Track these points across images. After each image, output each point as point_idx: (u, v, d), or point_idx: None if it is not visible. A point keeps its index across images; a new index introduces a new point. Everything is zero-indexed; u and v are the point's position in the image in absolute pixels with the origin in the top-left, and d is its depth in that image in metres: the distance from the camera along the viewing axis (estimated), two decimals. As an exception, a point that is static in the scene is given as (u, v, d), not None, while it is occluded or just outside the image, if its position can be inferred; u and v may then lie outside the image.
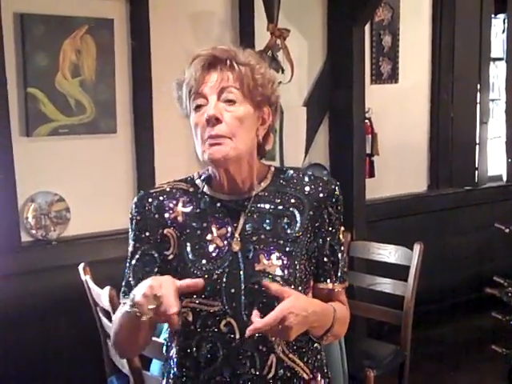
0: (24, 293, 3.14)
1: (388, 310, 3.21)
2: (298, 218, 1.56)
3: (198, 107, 1.50)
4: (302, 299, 1.44)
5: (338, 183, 1.61)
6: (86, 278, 2.66)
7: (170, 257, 1.56)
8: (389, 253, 3.32)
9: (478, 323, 4.31)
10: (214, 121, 1.47)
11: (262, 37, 3.80)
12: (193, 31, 3.68)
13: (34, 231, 3.23)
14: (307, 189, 1.58)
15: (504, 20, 5.41)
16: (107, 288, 2.36)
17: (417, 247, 3.15)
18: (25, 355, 3.17)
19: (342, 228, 1.61)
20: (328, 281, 1.59)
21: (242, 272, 1.51)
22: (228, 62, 1.49)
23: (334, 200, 1.58)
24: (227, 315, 1.49)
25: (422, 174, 4.89)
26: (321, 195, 1.57)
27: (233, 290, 1.50)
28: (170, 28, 3.61)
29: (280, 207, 1.57)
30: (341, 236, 1.60)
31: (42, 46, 3.21)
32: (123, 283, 1.58)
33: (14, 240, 3.16)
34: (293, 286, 1.51)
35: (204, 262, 1.52)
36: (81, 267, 2.70)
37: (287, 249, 1.53)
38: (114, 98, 3.42)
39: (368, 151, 4.30)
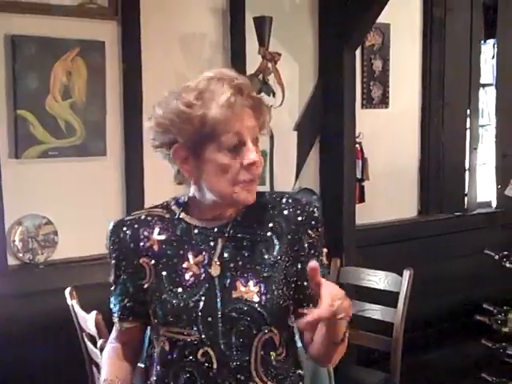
0: (10, 317, 3.10)
1: (378, 336, 3.19)
2: (276, 243, 1.54)
3: (233, 148, 1.47)
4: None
5: (318, 205, 1.60)
6: (73, 302, 2.63)
7: (146, 285, 1.55)
8: (378, 279, 3.30)
9: (468, 350, 4.29)
10: (258, 166, 1.48)
11: (253, 60, 3.82)
12: (184, 53, 3.69)
13: (20, 254, 3.20)
14: (285, 212, 1.56)
15: (494, 45, 5.46)
16: (93, 313, 2.34)
17: (406, 273, 3.14)
18: (10, 380, 3.12)
19: (325, 250, 1.59)
20: (311, 305, 1.54)
21: (218, 299, 1.50)
22: (259, 105, 1.50)
23: (313, 223, 1.56)
24: (204, 344, 1.48)
25: (413, 199, 4.89)
26: (299, 218, 1.55)
27: (210, 319, 1.48)
28: (162, 50, 3.61)
29: (258, 232, 1.55)
30: (323, 259, 1.59)
31: (33, 68, 3.20)
32: (111, 304, 1.63)
33: (1, 263, 3.13)
34: (271, 312, 1.49)
35: (180, 290, 1.51)
36: (67, 291, 2.67)
37: (265, 274, 1.51)
38: (104, 121, 3.42)
39: (358, 176, 4.30)
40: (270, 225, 1.55)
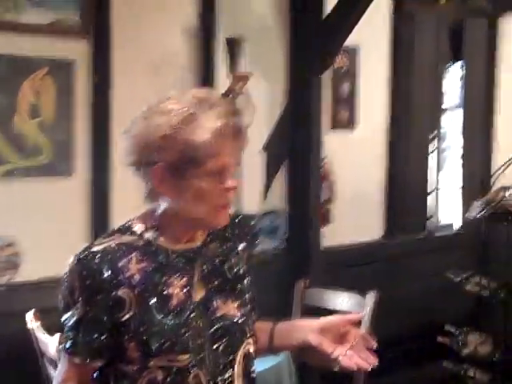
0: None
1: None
2: (240, 259, 1.65)
3: (216, 173, 1.48)
4: None
5: (256, 217, 1.74)
6: (34, 325, 2.60)
7: (125, 318, 1.49)
8: (342, 300, 3.34)
9: (430, 372, 4.33)
10: (234, 192, 1.52)
11: (223, 80, 3.84)
12: (155, 73, 3.70)
13: (-18, 276, 3.16)
14: (236, 231, 1.68)
15: (461, 67, 5.56)
16: (57, 335, 2.32)
17: (369, 295, 3.19)
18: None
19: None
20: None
21: (205, 321, 1.54)
22: (241, 129, 1.54)
23: (252, 234, 1.71)
24: (195, 367, 1.50)
25: (378, 221, 4.94)
26: (244, 230, 1.69)
27: (199, 341, 1.51)
28: (132, 70, 3.62)
29: (225, 251, 1.64)
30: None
31: (1, 87, 3.19)
32: (70, 343, 1.52)
33: (-38, 284, 3.09)
34: (249, 325, 1.60)
35: (170, 317, 1.50)
36: (29, 315, 2.65)
37: (239, 290, 1.61)
38: (72, 141, 3.41)
39: (325, 197, 4.34)
40: (232, 243, 1.66)
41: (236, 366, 1.56)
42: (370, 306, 3.17)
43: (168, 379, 1.50)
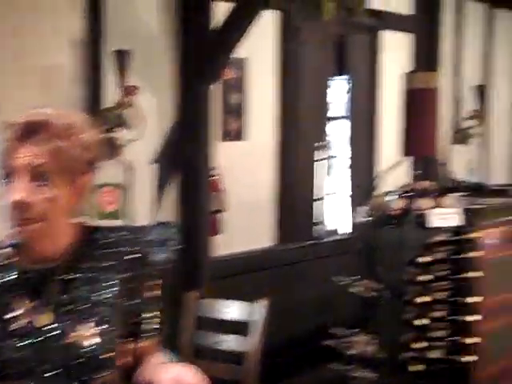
0: None
1: (230, 366, 3.24)
2: (112, 280, 1.50)
3: (9, 182, 1.41)
4: None
5: (152, 239, 1.63)
6: None
7: None
8: (235, 309, 3.38)
9: (320, 375, 4.44)
10: (21, 206, 1.39)
11: (111, 93, 3.82)
12: (41, 85, 3.62)
13: None
14: (121, 248, 1.53)
15: (347, 80, 5.77)
16: None
17: (260, 302, 3.24)
18: None
19: (158, 281, 1.59)
20: (144, 339, 1.55)
21: (54, 347, 1.43)
22: (44, 132, 1.40)
23: (147, 257, 1.56)
24: None
25: (269, 229, 5.03)
26: (135, 255, 1.53)
27: (45, 368, 1.42)
28: (18, 81, 3.53)
29: (91, 271, 1.49)
30: (156, 291, 1.58)
31: None
32: None
33: None
34: (109, 353, 1.45)
35: (12, 341, 1.42)
36: None
37: (103, 314, 1.47)
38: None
39: (215, 208, 4.37)
40: (105, 263, 1.50)
41: None
42: (260, 313, 3.23)
43: None
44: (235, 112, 4.72)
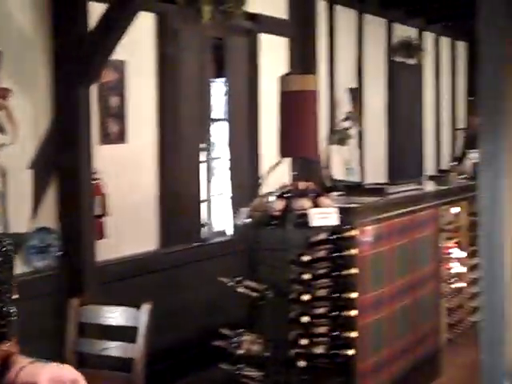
0: None
1: (117, 373, 3.20)
2: None
3: None
4: None
5: (10, 241, 1.58)
6: None
7: None
8: (119, 315, 3.33)
9: (211, 376, 4.45)
10: None
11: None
12: None
13: None
14: None
15: (225, 82, 5.82)
16: None
17: (144, 307, 3.22)
18: None
19: (15, 284, 1.58)
20: (7, 341, 1.54)
21: None
22: None
23: (4, 259, 1.55)
24: None
25: (154, 232, 4.99)
26: None
27: None
28: None
29: None
30: (14, 294, 1.57)
31: None
32: None
33: None
34: None
35: None
36: None
37: None
38: None
39: (98, 212, 4.29)
40: None
41: None
42: (144, 318, 3.20)
43: None
44: (116, 115, 4.64)
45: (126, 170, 4.70)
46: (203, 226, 5.38)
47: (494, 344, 2.71)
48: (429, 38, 9.00)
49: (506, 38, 2.33)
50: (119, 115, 4.67)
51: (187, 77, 5.20)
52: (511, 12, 2.31)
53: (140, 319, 3.20)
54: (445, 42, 9.49)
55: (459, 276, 5.60)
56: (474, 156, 6.18)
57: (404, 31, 8.30)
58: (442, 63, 9.42)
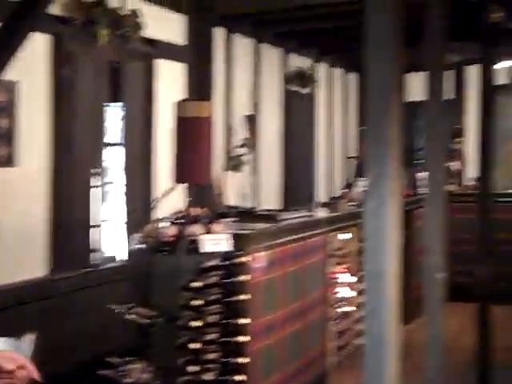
0: None
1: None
2: None
3: None
4: None
5: None
6: None
7: None
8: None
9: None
10: None
11: None
12: None
13: None
14: None
15: (122, 107, 5.79)
16: None
17: (27, 337, 3.12)
18: None
19: None
20: None
21: None
22: None
23: None
24: None
25: (43, 258, 4.85)
26: None
27: None
28: None
29: None
30: None
31: None
32: None
33: None
34: None
35: None
36: None
37: None
38: None
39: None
40: None
41: None
42: (27, 348, 3.10)
43: None
44: (5, 137, 4.52)
45: (15, 193, 4.57)
46: (93, 251, 5.29)
47: (375, 368, 2.81)
48: (322, 68, 9.31)
49: (390, 70, 2.44)
50: (9, 137, 4.54)
51: (82, 100, 5.14)
52: (396, 44, 2.43)
53: (23, 351, 3.10)
54: (337, 72, 9.83)
55: (348, 300, 5.77)
56: (362, 183, 6.41)
57: (299, 61, 8.55)
58: (334, 93, 9.74)
